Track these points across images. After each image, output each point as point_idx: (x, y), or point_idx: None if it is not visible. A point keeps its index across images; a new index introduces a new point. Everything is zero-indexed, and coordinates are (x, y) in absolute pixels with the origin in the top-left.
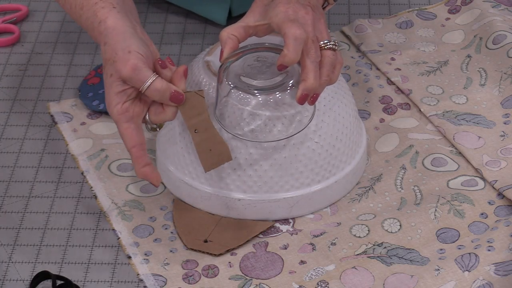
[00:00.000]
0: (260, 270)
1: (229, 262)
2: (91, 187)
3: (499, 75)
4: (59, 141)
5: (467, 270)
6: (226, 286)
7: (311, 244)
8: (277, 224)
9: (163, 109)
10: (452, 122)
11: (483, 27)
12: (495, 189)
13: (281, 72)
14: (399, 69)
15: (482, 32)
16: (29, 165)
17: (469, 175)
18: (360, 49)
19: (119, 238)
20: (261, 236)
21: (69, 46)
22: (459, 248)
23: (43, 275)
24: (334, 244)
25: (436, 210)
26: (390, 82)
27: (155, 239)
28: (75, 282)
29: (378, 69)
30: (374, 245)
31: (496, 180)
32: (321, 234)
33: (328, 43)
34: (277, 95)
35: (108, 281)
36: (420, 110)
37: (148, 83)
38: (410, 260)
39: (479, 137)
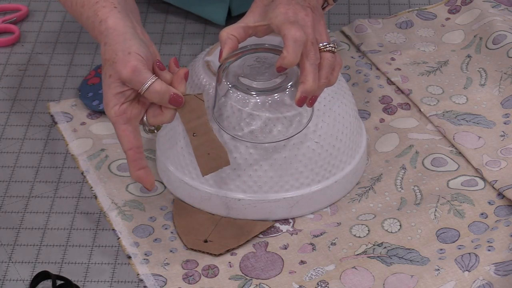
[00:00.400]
0: (260, 270)
1: (229, 262)
2: (91, 187)
3: (499, 75)
4: (59, 141)
5: (467, 270)
6: (226, 286)
7: (311, 244)
8: (277, 224)
9: (161, 111)
10: (452, 122)
11: (483, 27)
12: (495, 189)
13: (280, 73)
14: (399, 69)
15: (482, 32)
16: (29, 165)
17: (469, 175)
18: (360, 49)
19: (119, 238)
20: (261, 236)
21: (69, 46)
22: (459, 248)
23: (43, 275)
24: (334, 244)
25: (436, 210)
26: (390, 82)
27: (155, 239)
28: (75, 282)
29: (378, 69)
30: (374, 245)
31: (496, 180)
32: (321, 234)
33: (328, 45)
34: (276, 97)
35: (108, 281)
36: (420, 110)
37: (148, 85)
38: (410, 260)
39: (479, 137)
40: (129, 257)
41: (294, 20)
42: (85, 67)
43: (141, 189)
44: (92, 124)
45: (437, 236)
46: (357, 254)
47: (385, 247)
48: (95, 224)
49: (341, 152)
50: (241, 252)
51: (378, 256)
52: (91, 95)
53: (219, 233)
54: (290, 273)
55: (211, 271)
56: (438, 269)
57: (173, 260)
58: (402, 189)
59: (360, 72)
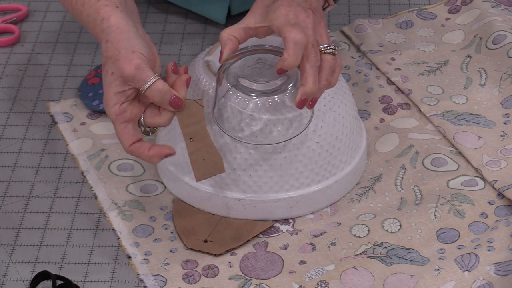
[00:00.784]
0: (260, 270)
1: (229, 262)
2: (91, 187)
3: (499, 75)
4: (59, 141)
5: (467, 270)
6: (226, 286)
7: (311, 244)
8: (277, 224)
9: (159, 113)
10: (452, 122)
11: (483, 27)
12: (495, 189)
13: (281, 75)
14: (399, 69)
15: (482, 32)
16: (29, 165)
17: (469, 175)
18: (360, 49)
19: (119, 238)
20: (261, 236)
21: (69, 46)
22: (459, 248)
23: (43, 275)
24: (334, 244)
25: (436, 210)
26: (390, 82)
27: (155, 239)
28: (75, 282)
29: (378, 69)
30: (374, 245)
31: (496, 180)
32: (321, 234)
33: (328, 47)
34: (276, 98)
35: (108, 281)
36: (420, 110)
37: (149, 83)
38: (410, 260)
39: (479, 137)
40: (129, 257)
41: (295, 22)
42: (85, 67)
43: (141, 189)
44: (92, 124)
45: (437, 236)
46: (357, 254)
47: (385, 247)
48: (95, 224)
49: (341, 152)
50: (241, 252)
51: (378, 256)
52: (91, 95)
53: (219, 233)
54: (290, 273)
55: (211, 271)
56: (438, 269)
57: (173, 260)
58: (402, 189)
59: (360, 72)
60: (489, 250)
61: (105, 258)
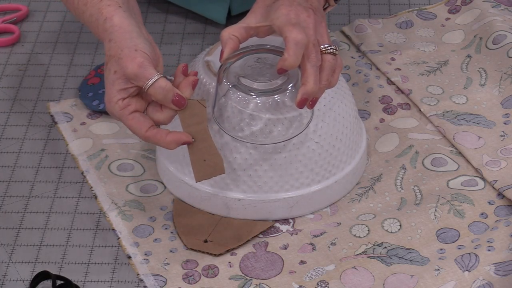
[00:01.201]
0: (260, 270)
1: (229, 262)
2: (91, 187)
3: (499, 75)
4: (59, 141)
5: (467, 270)
6: (226, 286)
7: (311, 244)
8: (277, 224)
9: (161, 109)
10: (452, 122)
11: (483, 27)
12: (495, 189)
13: (281, 75)
14: (399, 69)
15: (482, 32)
16: (29, 165)
17: (469, 175)
18: (360, 49)
19: (119, 238)
20: (261, 236)
21: (69, 46)
22: (459, 248)
23: (43, 275)
24: (334, 244)
25: (436, 210)
26: (390, 82)
27: (155, 239)
28: (75, 282)
29: (378, 69)
30: (374, 245)
31: (496, 180)
32: (321, 234)
33: (329, 47)
34: (277, 98)
35: (108, 281)
36: (420, 110)
37: (153, 81)
38: (410, 260)
39: (479, 137)
40: (129, 257)
41: (296, 21)
42: (85, 67)
43: (141, 189)
44: (92, 124)
45: (437, 236)
46: (357, 254)
47: (385, 247)
48: (95, 224)
49: (341, 152)
50: (241, 252)
51: (378, 256)
52: (91, 95)
53: (219, 233)
54: (290, 273)
55: (211, 271)
56: (438, 269)
57: (173, 260)
58: (402, 189)
59: (360, 72)
60: (489, 250)
61: (105, 258)
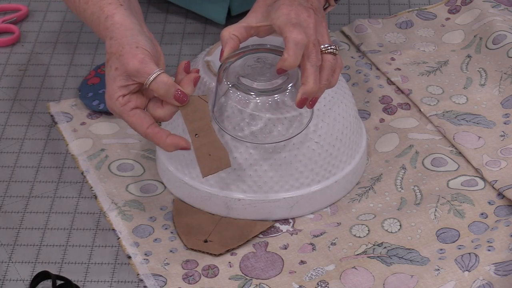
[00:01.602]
0: (260, 270)
1: (229, 262)
2: (91, 187)
3: (499, 75)
4: (59, 141)
5: (467, 270)
6: (226, 286)
7: (311, 244)
8: (277, 224)
9: (162, 105)
10: (452, 122)
11: (483, 27)
12: (495, 189)
13: (281, 75)
14: (399, 69)
15: (482, 32)
16: (29, 165)
17: (469, 175)
18: (360, 49)
19: (119, 238)
20: (261, 236)
21: (69, 46)
22: (459, 248)
23: (43, 275)
24: (334, 244)
25: (436, 210)
26: (390, 82)
27: (155, 239)
28: (75, 282)
29: (378, 69)
30: (374, 245)
31: (496, 180)
32: (321, 234)
33: (329, 47)
34: (276, 98)
35: (108, 281)
36: (420, 110)
37: (154, 76)
38: (410, 260)
39: (479, 137)
40: (129, 257)
41: (296, 21)
42: (85, 67)
43: (141, 189)
44: (92, 124)
45: (437, 236)
46: (357, 254)
47: (385, 247)
48: (95, 224)
49: (341, 152)
50: (241, 252)
51: (378, 256)
52: (91, 95)
53: (219, 233)
54: (290, 273)
55: (211, 271)
56: (438, 269)
57: (173, 260)
58: (402, 189)
59: (360, 72)
60: (489, 250)
61: (105, 258)
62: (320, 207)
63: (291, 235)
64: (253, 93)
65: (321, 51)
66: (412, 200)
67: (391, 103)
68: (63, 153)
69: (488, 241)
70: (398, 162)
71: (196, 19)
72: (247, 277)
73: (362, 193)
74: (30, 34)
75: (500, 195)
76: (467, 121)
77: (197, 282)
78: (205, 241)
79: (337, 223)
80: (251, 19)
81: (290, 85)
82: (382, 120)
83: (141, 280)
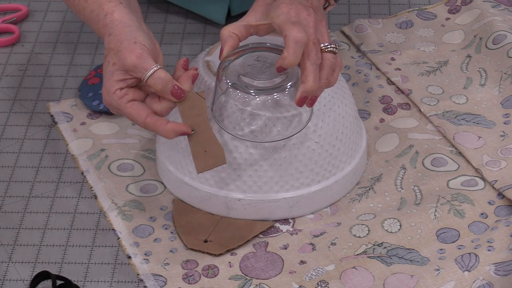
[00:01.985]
0: (260, 270)
1: (229, 262)
2: (91, 187)
3: (499, 75)
4: (59, 141)
5: (467, 270)
6: (226, 286)
7: (311, 244)
8: (277, 224)
9: (159, 100)
10: (452, 122)
11: (483, 27)
12: (495, 189)
13: (281, 73)
14: (399, 69)
15: (482, 32)
16: (29, 165)
17: (469, 175)
18: (360, 49)
19: (119, 238)
20: (261, 236)
21: (69, 46)
22: (459, 248)
23: (43, 275)
24: (334, 244)
25: (436, 210)
26: (390, 82)
27: (155, 239)
28: (75, 282)
29: (378, 69)
30: (374, 245)
31: (496, 180)
32: (321, 234)
33: (329, 46)
34: (276, 96)
35: (108, 281)
36: (420, 110)
37: (152, 71)
38: (410, 260)
39: (479, 137)
40: (129, 257)
41: (296, 20)
42: (85, 67)
43: (141, 189)
44: (92, 124)
45: (437, 236)
46: (357, 254)
47: (385, 247)
48: (95, 224)
49: (341, 152)
50: (241, 252)
51: (378, 256)
52: (91, 95)
53: (219, 233)
54: (290, 273)
55: (211, 271)
56: (438, 269)
57: (173, 260)
58: (402, 189)
59: (360, 72)
60: (489, 250)
61: (105, 258)
62: (320, 207)
63: (291, 235)
64: (252, 92)
65: (321, 49)
66: (412, 200)
67: (391, 103)
68: (63, 153)
69: (488, 241)
70: (398, 162)
71: (196, 19)
72: (247, 277)
73: (362, 193)
74: (30, 34)
75: (500, 195)
76: (467, 121)
77: (197, 282)
78: (205, 241)
79: (337, 223)
80: (251, 18)
81: (290, 84)
82: (382, 120)
83: (141, 280)
